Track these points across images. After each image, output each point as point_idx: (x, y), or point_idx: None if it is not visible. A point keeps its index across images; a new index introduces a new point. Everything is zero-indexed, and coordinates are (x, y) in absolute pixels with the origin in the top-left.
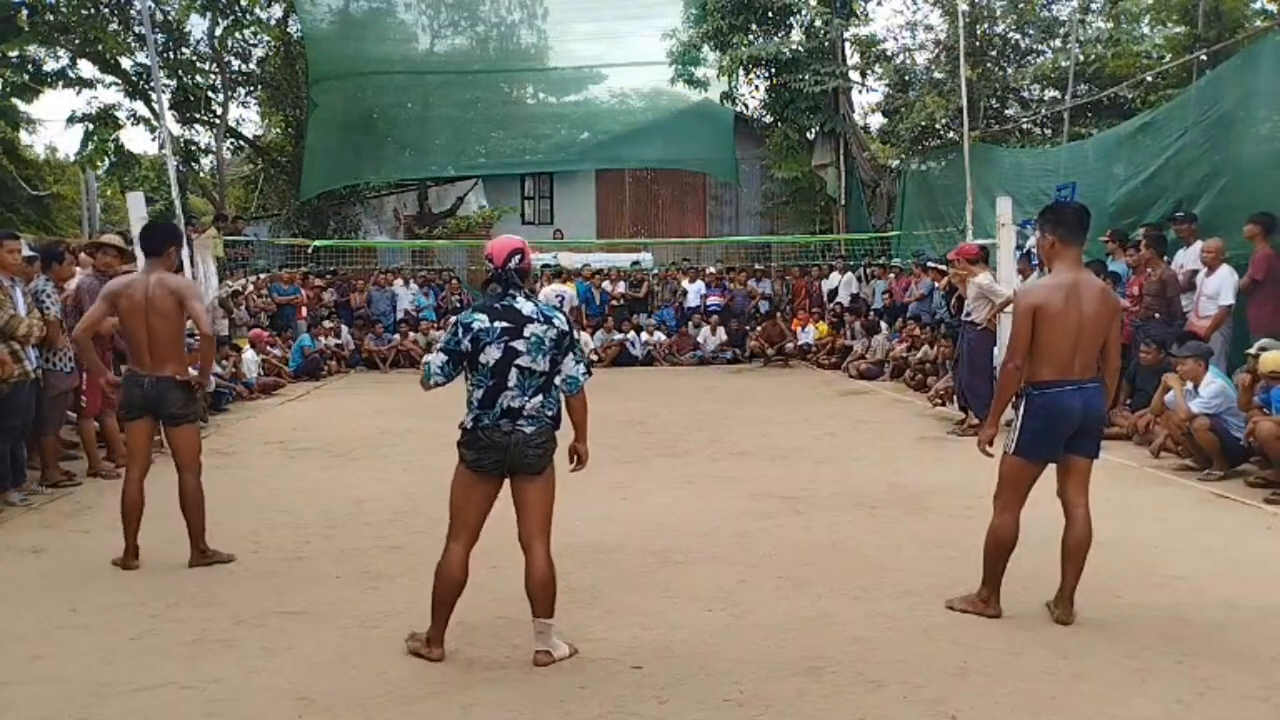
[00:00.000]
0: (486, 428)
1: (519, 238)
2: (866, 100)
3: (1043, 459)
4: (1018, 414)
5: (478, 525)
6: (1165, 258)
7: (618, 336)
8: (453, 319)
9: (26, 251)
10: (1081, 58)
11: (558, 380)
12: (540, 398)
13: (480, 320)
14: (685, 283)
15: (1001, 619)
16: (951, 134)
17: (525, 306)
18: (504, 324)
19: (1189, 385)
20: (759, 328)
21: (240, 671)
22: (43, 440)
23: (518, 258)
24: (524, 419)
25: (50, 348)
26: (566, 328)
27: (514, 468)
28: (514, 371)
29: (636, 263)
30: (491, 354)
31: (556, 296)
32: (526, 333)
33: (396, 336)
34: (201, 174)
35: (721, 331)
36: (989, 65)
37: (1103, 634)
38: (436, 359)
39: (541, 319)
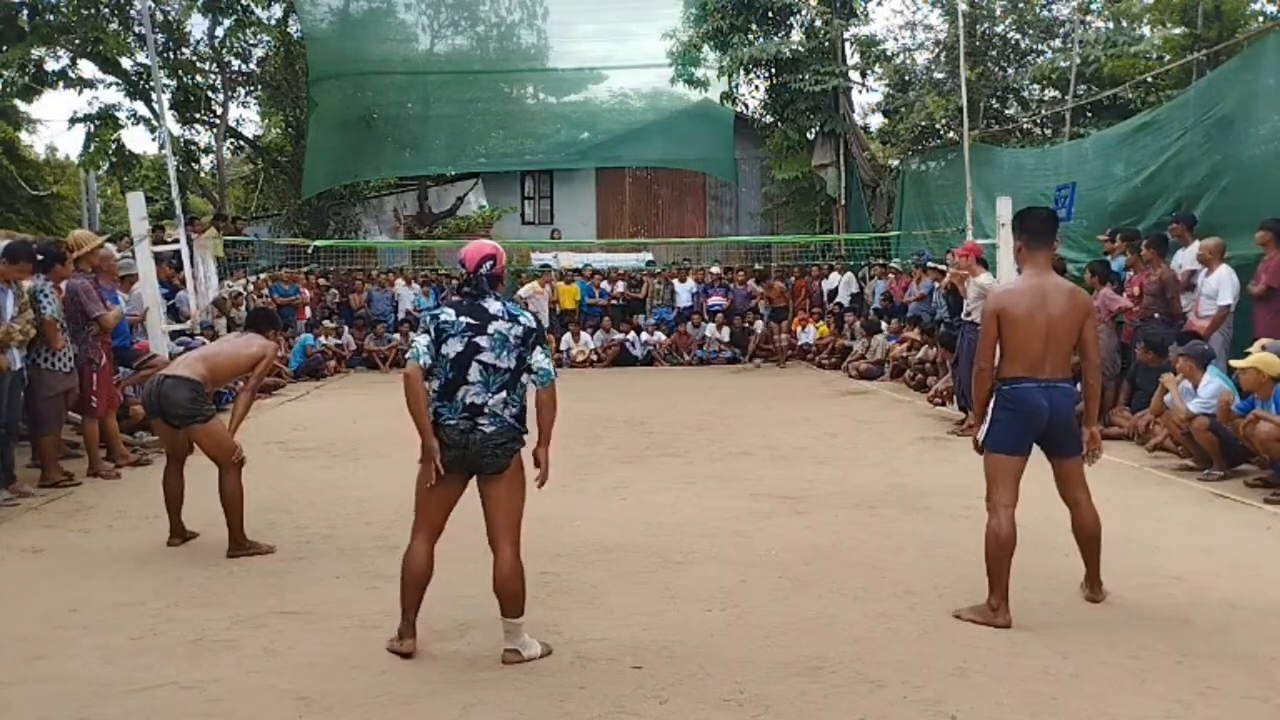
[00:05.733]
0: (447, 425)
1: (492, 243)
2: (866, 100)
3: (1016, 452)
4: (988, 410)
5: (440, 520)
6: (1165, 258)
7: (618, 336)
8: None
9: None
10: (1080, 59)
11: (525, 377)
12: (503, 395)
13: (447, 314)
14: (676, 283)
15: None
16: (951, 134)
17: (493, 306)
18: (469, 320)
19: (1187, 385)
20: (759, 330)
21: (240, 671)
22: (41, 440)
23: (490, 264)
24: (484, 417)
25: (48, 348)
26: (534, 325)
27: (475, 467)
28: (476, 366)
29: (651, 262)
30: (453, 346)
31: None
32: (490, 329)
33: (397, 336)
34: (201, 174)
35: (726, 329)
36: (989, 65)
37: (1103, 634)
38: (422, 340)
39: (507, 317)
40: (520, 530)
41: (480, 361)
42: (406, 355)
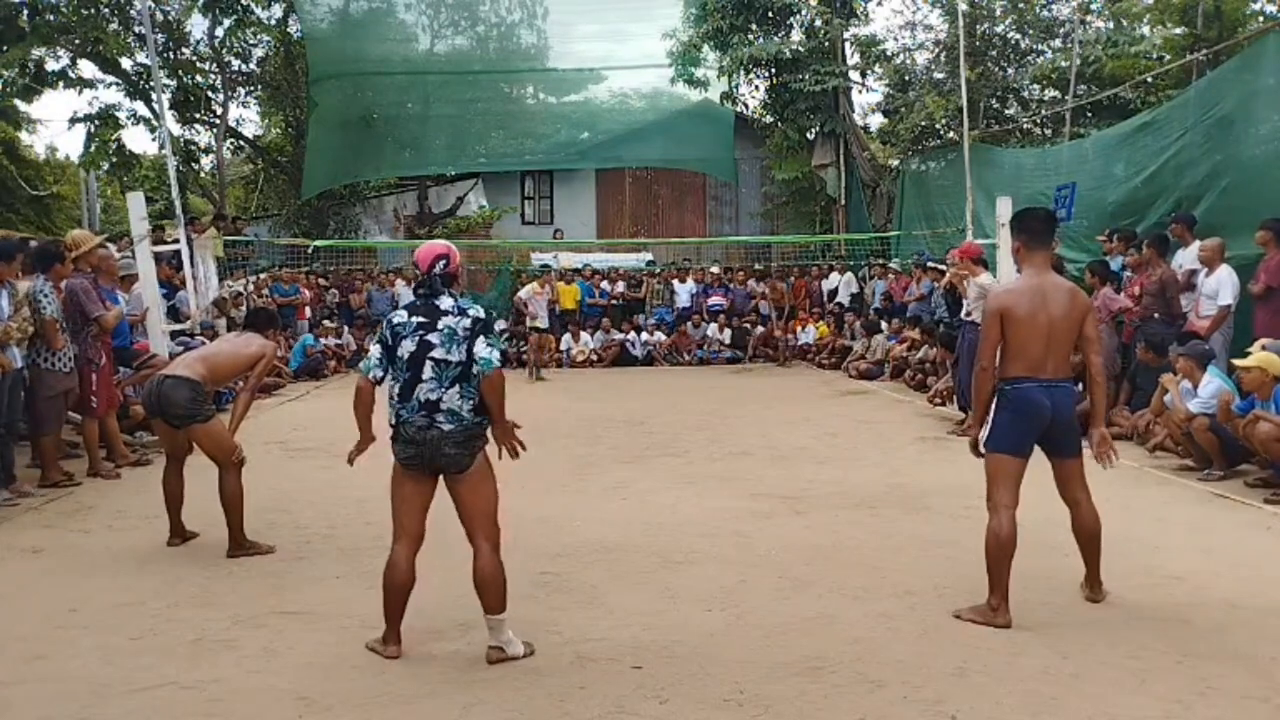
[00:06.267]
0: (406, 423)
1: (445, 243)
2: (866, 100)
3: (1018, 452)
4: (989, 411)
5: (414, 525)
6: (1165, 258)
7: (618, 336)
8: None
9: None
10: (1080, 59)
11: (474, 369)
12: (457, 389)
13: (399, 316)
14: (676, 284)
15: None
16: (951, 134)
17: (444, 303)
18: (420, 319)
19: (1187, 385)
20: (758, 331)
21: (240, 671)
22: (41, 440)
23: (443, 263)
24: (442, 414)
25: (48, 348)
26: (482, 316)
27: (436, 466)
28: (429, 364)
29: (651, 262)
30: (407, 347)
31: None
32: (440, 325)
33: None
34: (201, 174)
35: (727, 331)
36: (989, 65)
37: (1103, 634)
38: (374, 351)
39: (457, 312)
40: (496, 526)
41: (432, 359)
42: (359, 365)
